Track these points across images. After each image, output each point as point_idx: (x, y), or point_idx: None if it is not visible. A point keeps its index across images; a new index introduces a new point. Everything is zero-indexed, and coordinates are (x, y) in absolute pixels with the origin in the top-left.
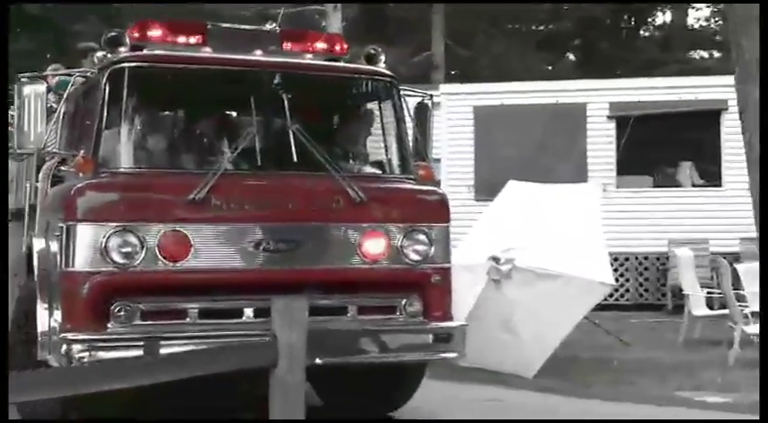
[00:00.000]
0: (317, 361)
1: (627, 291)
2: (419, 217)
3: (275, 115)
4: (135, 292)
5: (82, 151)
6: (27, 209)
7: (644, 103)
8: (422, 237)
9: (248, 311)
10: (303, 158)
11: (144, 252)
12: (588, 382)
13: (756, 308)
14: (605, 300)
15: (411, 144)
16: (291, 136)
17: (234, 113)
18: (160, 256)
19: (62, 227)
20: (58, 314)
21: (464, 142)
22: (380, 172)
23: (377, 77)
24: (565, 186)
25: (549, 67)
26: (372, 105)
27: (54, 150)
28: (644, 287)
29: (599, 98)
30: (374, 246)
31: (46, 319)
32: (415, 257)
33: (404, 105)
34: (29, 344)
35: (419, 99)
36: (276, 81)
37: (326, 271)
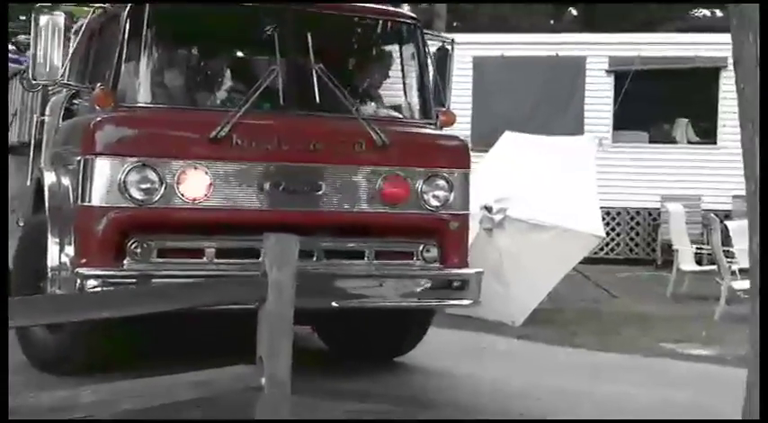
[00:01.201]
0: (333, 304)
1: (617, 245)
2: (440, 162)
3: (298, 54)
4: (152, 230)
5: (100, 85)
6: (33, 143)
7: (643, 59)
8: (442, 182)
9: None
10: (325, 99)
11: (163, 189)
12: (574, 331)
13: (744, 264)
14: (595, 253)
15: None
16: (314, 76)
17: (256, 52)
18: (179, 194)
19: (79, 161)
20: (69, 249)
21: (462, 92)
22: (402, 116)
23: (401, 20)
24: (561, 139)
25: (552, 22)
26: (396, 48)
27: (70, 83)
28: (635, 242)
29: (598, 52)
30: (395, 190)
31: (57, 253)
32: (435, 203)
33: (427, 50)
34: (36, 278)
35: (439, 44)
36: (300, 19)
37: (345, 214)
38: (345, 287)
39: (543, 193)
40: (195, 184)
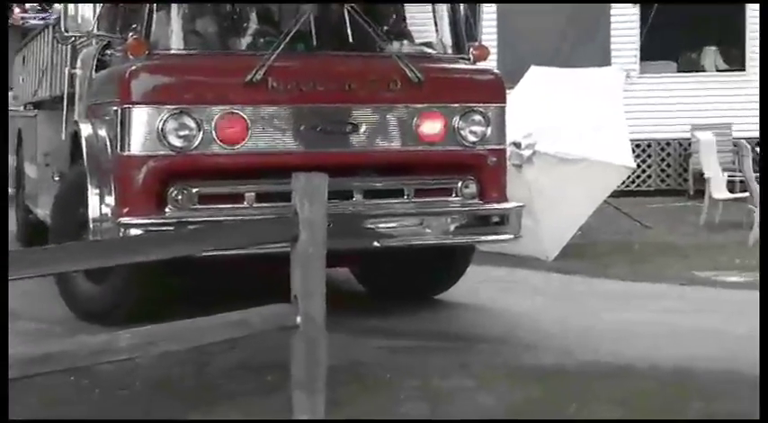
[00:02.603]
0: (375, 244)
1: (649, 177)
2: (476, 97)
3: None
4: (192, 176)
5: (131, 34)
6: (65, 97)
7: None
8: (478, 117)
9: None
10: (358, 38)
11: (201, 135)
12: (607, 263)
13: None
14: (627, 186)
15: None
16: (346, 15)
17: None
18: (217, 139)
19: (116, 110)
20: (110, 199)
21: (488, 29)
22: (435, 52)
23: None
24: (587, 71)
25: None
26: None
27: (102, 34)
28: (666, 173)
29: None
30: (431, 127)
31: (97, 204)
32: (473, 139)
33: None
34: (77, 230)
35: None
36: None
37: (383, 153)
38: (387, 226)
39: (572, 126)
40: (233, 129)
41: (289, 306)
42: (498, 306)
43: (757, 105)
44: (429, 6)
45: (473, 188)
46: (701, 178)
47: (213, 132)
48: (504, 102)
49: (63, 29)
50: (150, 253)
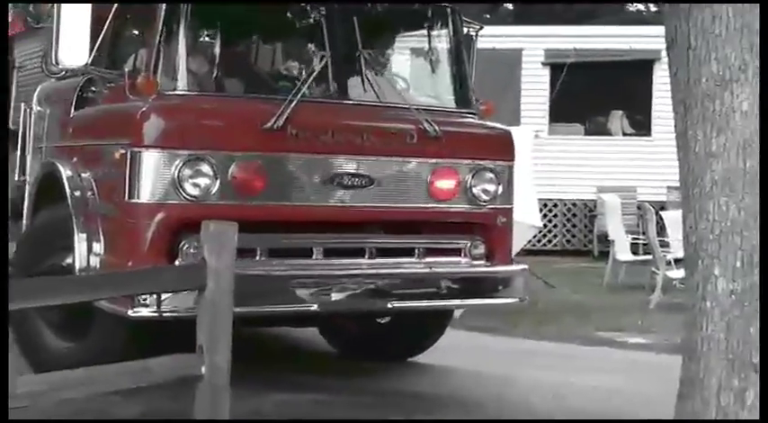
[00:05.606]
0: (389, 305)
1: (555, 237)
2: (488, 155)
3: (345, 42)
4: None
5: (136, 72)
6: (22, 134)
7: (578, 51)
8: (490, 175)
9: (317, 250)
10: (374, 88)
11: (218, 183)
12: (514, 321)
13: (680, 254)
14: (533, 245)
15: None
16: (363, 64)
17: (301, 39)
18: (234, 188)
19: (123, 154)
20: (98, 247)
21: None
22: (445, 106)
23: (441, 6)
24: None
25: (488, 16)
26: (438, 36)
27: (100, 70)
28: (571, 233)
29: (534, 44)
30: (445, 183)
31: (85, 254)
32: (484, 197)
33: (469, 38)
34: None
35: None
36: (345, 6)
37: (398, 209)
38: (400, 287)
39: None
40: (251, 178)
41: (194, 356)
42: (413, 362)
43: (662, 170)
44: (440, 58)
45: (481, 249)
46: (605, 239)
47: (230, 181)
48: (513, 159)
49: (54, 61)
50: (45, 298)
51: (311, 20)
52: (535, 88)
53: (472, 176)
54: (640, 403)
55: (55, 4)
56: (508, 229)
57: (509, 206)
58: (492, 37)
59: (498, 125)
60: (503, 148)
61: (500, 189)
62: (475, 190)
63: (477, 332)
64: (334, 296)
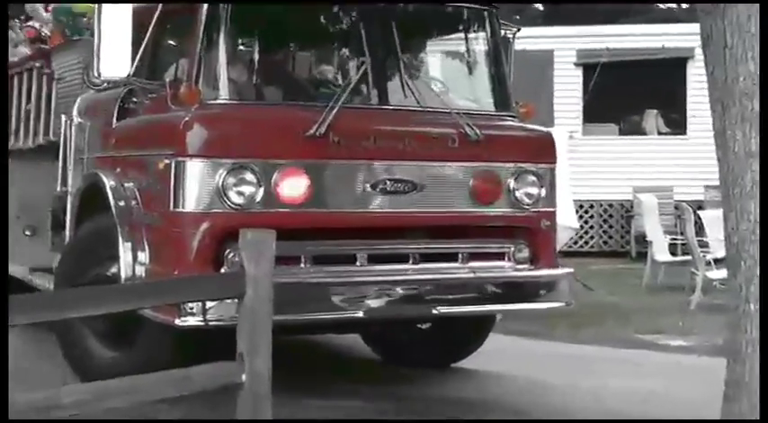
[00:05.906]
0: (434, 311)
1: (591, 238)
2: (530, 157)
3: (384, 47)
4: None
5: (178, 82)
6: (64, 145)
7: (611, 51)
8: (533, 178)
9: (361, 257)
10: (414, 93)
11: (262, 191)
12: (552, 324)
13: (719, 254)
14: (570, 247)
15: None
16: (402, 69)
17: (337, 44)
18: (279, 196)
19: (168, 164)
20: (143, 256)
21: None
22: (485, 109)
23: (480, 8)
24: None
25: (517, 17)
26: (476, 38)
27: (141, 81)
28: (608, 234)
29: (566, 45)
30: (487, 187)
31: (131, 263)
32: (527, 200)
33: (506, 40)
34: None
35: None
36: (384, 11)
37: (441, 214)
38: (444, 293)
39: None
40: (295, 186)
41: (234, 364)
42: (454, 366)
43: (698, 168)
44: (480, 61)
45: (525, 253)
46: (643, 240)
47: (274, 189)
48: (556, 162)
49: (96, 73)
50: (90, 308)
51: (349, 25)
52: (568, 89)
53: (515, 180)
54: (684, 406)
55: (95, 16)
56: (552, 232)
57: (552, 209)
58: (523, 38)
59: (539, 127)
60: (545, 150)
61: (543, 192)
62: (518, 193)
63: (515, 336)
64: (379, 302)
